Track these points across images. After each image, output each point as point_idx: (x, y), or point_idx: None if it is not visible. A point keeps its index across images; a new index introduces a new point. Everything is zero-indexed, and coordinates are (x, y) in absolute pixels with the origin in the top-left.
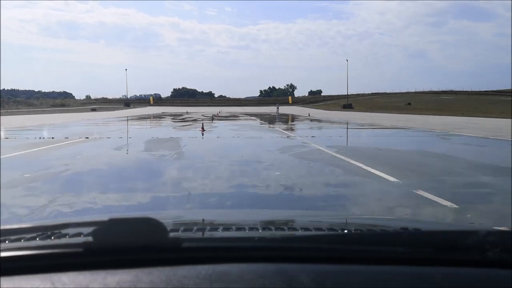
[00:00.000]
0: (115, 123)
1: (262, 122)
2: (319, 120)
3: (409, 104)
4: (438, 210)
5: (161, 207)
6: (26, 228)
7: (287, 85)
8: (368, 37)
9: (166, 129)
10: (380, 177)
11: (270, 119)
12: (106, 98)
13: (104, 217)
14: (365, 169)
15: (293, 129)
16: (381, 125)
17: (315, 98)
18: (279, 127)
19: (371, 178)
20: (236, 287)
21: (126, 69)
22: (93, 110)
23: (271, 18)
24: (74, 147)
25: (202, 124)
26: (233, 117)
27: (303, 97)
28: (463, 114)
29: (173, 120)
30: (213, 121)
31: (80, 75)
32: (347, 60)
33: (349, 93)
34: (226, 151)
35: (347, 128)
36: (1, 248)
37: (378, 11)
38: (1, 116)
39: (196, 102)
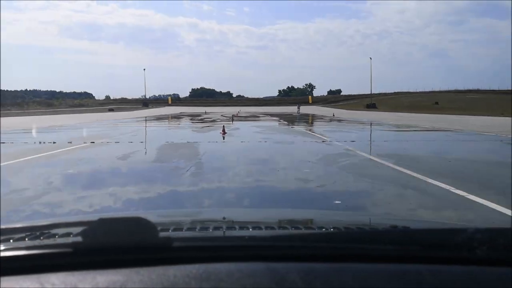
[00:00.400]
0: (129, 124)
1: (286, 122)
2: (347, 121)
3: (437, 103)
4: None
5: (152, 207)
6: (14, 228)
7: (306, 84)
8: (387, 36)
9: (183, 132)
10: (502, 213)
11: (293, 119)
12: (125, 98)
13: (94, 217)
14: (466, 197)
15: (325, 132)
16: (420, 127)
17: (335, 98)
18: (307, 128)
19: (490, 215)
20: (226, 286)
21: (144, 69)
22: (111, 110)
23: (289, 18)
24: (72, 155)
25: (223, 127)
26: (254, 117)
27: (323, 96)
28: (502, 114)
29: (191, 121)
30: (233, 122)
31: (100, 76)
32: (370, 58)
33: (370, 93)
34: (254, 161)
35: (385, 130)
36: None
37: (397, 10)
38: (17, 117)
39: (215, 102)
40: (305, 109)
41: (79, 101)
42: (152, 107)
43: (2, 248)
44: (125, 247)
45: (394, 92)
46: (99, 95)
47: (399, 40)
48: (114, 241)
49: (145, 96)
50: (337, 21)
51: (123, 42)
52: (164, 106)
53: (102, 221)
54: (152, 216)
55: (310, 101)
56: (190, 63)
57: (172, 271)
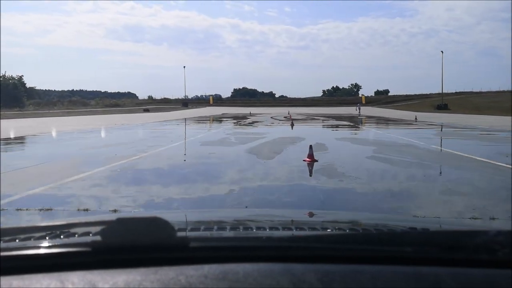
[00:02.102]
0: (154, 129)
1: (381, 132)
2: (454, 127)
3: None
4: None
5: (170, 207)
6: (36, 227)
7: (351, 84)
8: (435, 35)
9: (229, 150)
10: None
11: (379, 123)
12: (166, 98)
13: (112, 217)
14: None
15: (454, 145)
16: None
17: (392, 98)
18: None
19: None
20: (242, 286)
21: (184, 67)
22: (146, 110)
23: (331, 17)
24: None
25: (311, 149)
26: (312, 120)
27: (374, 97)
28: None
29: (236, 124)
30: (293, 127)
31: (143, 77)
32: (442, 52)
33: (423, 93)
34: None
35: None
36: (12, 247)
37: (445, 8)
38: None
39: (258, 102)
40: (364, 111)
41: (116, 101)
42: (192, 108)
43: (24, 246)
44: (143, 247)
45: (456, 92)
46: (143, 95)
47: (447, 38)
48: (132, 241)
49: (185, 95)
50: (381, 20)
51: (166, 43)
52: (205, 106)
53: (120, 221)
54: (169, 216)
55: (364, 102)
56: (231, 64)
57: (189, 271)
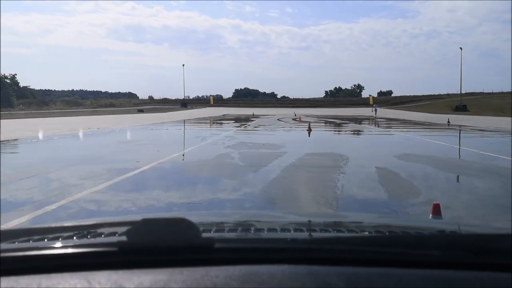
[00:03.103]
0: (132, 135)
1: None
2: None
3: None
4: None
5: (194, 208)
6: (63, 227)
7: (354, 85)
8: (436, 36)
9: (231, 193)
10: None
11: (414, 128)
12: (166, 98)
13: (138, 217)
14: None
15: None
16: None
17: (399, 99)
18: None
19: None
20: None
21: (183, 65)
22: (140, 111)
23: (333, 18)
24: None
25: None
26: (327, 123)
27: (384, 97)
28: None
29: (239, 129)
30: (310, 133)
31: (145, 77)
32: (461, 48)
33: (460, 92)
34: None
35: None
36: (40, 247)
37: (447, 9)
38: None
39: (260, 102)
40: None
41: (111, 101)
42: (192, 108)
43: (52, 246)
44: (168, 247)
45: (467, 93)
46: (143, 96)
47: (449, 40)
48: (157, 241)
49: (184, 95)
50: (383, 21)
51: (167, 43)
52: (206, 106)
53: (146, 221)
54: (194, 217)
55: (371, 103)
56: (232, 64)
57: (214, 272)
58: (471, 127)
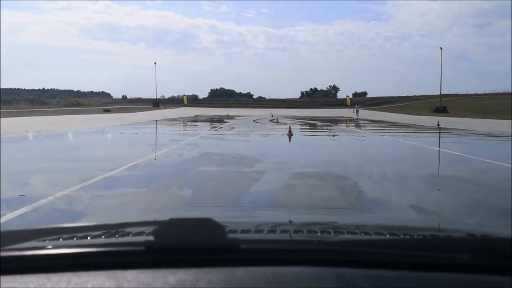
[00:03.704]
0: (71, 142)
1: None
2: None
3: None
4: None
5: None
6: (92, 226)
7: (330, 86)
8: (409, 39)
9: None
10: None
11: (407, 132)
12: (140, 98)
13: (165, 217)
14: None
15: None
16: None
17: (377, 100)
18: None
19: None
20: None
21: (155, 63)
22: (106, 111)
23: (309, 19)
24: None
25: None
26: (308, 125)
27: (361, 98)
28: None
29: (210, 133)
30: (291, 138)
31: (120, 76)
32: (441, 48)
33: (440, 94)
34: None
35: None
36: (70, 245)
37: (418, 12)
38: None
39: (236, 103)
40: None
41: (78, 100)
42: (165, 108)
43: (81, 244)
44: (195, 247)
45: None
46: (118, 95)
47: (421, 43)
48: (184, 241)
49: (156, 95)
50: (357, 23)
51: (143, 43)
52: (179, 107)
53: (173, 222)
54: (220, 217)
55: (349, 104)
56: (209, 64)
57: (240, 272)
58: (470, 131)
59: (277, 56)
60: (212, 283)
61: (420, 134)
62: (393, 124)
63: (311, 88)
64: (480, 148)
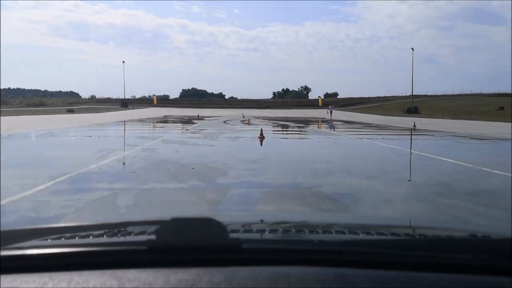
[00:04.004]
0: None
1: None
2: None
3: (502, 108)
4: None
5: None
6: (93, 225)
7: (301, 87)
8: (378, 41)
9: None
10: None
11: (385, 134)
12: (110, 98)
13: (167, 217)
14: None
15: None
16: None
17: (348, 101)
18: None
19: None
20: None
21: (123, 62)
22: (70, 111)
23: (280, 20)
24: None
25: None
26: (281, 127)
27: (332, 99)
28: None
29: (172, 135)
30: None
31: (90, 75)
32: (412, 49)
33: (412, 94)
34: None
35: None
36: (72, 244)
37: (387, 15)
38: None
39: (208, 103)
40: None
41: (41, 100)
42: (133, 108)
43: (83, 243)
44: (196, 247)
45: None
46: (87, 95)
47: (390, 44)
48: (186, 241)
49: (124, 94)
50: (328, 24)
51: (113, 42)
52: (149, 107)
53: (175, 221)
54: (222, 217)
55: (320, 104)
56: (180, 64)
57: (241, 272)
58: (451, 133)
59: (248, 56)
60: (213, 283)
61: (401, 137)
62: (367, 125)
63: (283, 89)
64: (480, 154)
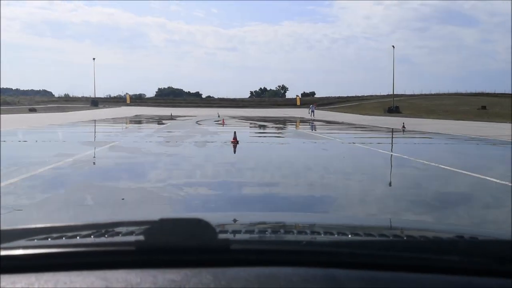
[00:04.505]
0: None
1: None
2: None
3: (484, 108)
4: None
5: (211, 209)
6: (81, 225)
7: (279, 86)
8: (354, 41)
9: None
10: None
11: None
12: (84, 96)
13: (155, 217)
14: None
15: None
16: None
17: (327, 100)
18: None
19: None
20: None
21: (94, 59)
22: (32, 110)
23: (259, 20)
24: None
25: None
26: (265, 129)
27: (310, 98)
28: None
29: (129, 140)
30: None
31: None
32: (393, 47)
33: (393, 93)
34: None
35: None
36: (58, 244)
37: (363, 16)
38: None
39: (184, 102)
40: (304, 113)
41: (4, 99)
42: (104, 107)
43: (69, 243)
44: (185, 248)
45: (389, 95)
46: (61, 93)
47: (366, 45)
48: (174, 241)
49: (95, 93)
50: (305, 25)
51: (89, 40)
52: (121, 105)
53: (163, 222)
54: (211, 218)
55: (298, 103)
56: (158, 63)
57: (230, 273)
58: (449, 136)
59: (227, 55)
60: (202, 284)
61: (398, 140)
62: (352, 126)
63: (260, 88)
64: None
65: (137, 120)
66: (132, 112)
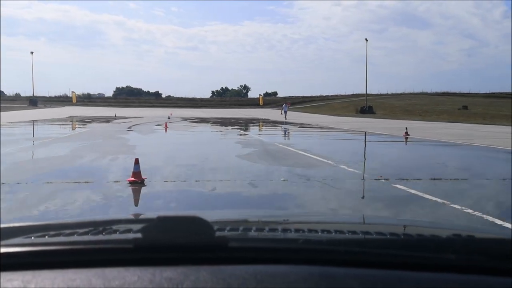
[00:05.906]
0: None
1: None
2: None
3: (465, 107)
4: None
5: (208, 206)
6: (78, 223)
7: (241, 86)
8: (314, 42)
9: None
10: None
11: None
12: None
13: (153, 215)
14: None
15: None
16: None
17: (291, 100)
18: None
19: None
20: None
21: (32, 52)
22: None
23: (219, 19)
24: None
25: None
26: (221, 138)
27: (273, 98)
28: None
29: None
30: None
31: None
32: (366, 40)
33: (366, 93)
34: None
35: None
36: (56, 242)
37: (323, 16)
38: None
39: (138, 101)
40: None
41: None
42: (45, 107)
43: (68, 241)
44: (183, 245)
45: (353, 94)
46: (11, 93)
47: (325, 46)
48: (172, 239)
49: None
50: (266, 25)
51: (44, 38)
52: (64, 105)
53: (161, 219)
54: (208, 216)
55: (261, 103)
56: (117, 62)
57: (228, 270)
58: (476, 145)
59: (187, 55)
60: (199, 281)
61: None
62: (335, 129)
63: (222, 88)
64: None
65: (61, 122)
66: (70, 113)
